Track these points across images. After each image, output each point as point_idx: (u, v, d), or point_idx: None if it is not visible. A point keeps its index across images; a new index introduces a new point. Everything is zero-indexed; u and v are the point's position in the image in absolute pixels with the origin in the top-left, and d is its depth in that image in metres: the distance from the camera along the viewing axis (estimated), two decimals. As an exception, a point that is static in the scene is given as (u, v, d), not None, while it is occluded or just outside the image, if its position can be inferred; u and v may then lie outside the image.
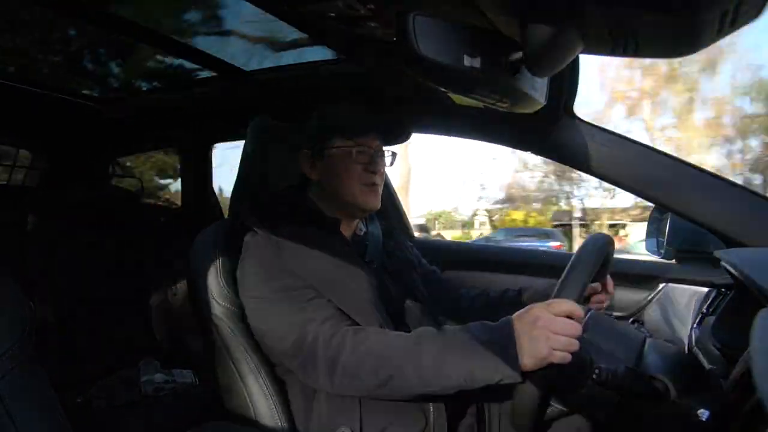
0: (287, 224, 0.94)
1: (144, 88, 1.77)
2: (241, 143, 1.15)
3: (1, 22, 1.30)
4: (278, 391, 0.97)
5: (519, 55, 0.56)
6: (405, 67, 0.58)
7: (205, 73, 1.54)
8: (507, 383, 0.77)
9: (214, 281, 0.98)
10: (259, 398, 0.96)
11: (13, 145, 2.11)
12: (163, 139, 2.12)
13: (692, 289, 1.17)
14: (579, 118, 1.09)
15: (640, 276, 1.25)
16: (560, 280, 0.81)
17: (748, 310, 0.65)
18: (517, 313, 0.80)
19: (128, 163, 3.17)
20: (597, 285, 1.04)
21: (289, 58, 1.38)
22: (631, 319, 1.20)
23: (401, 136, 1.05)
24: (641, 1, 0.35)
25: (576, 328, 0.75)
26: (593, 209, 13.72)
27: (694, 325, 1.08)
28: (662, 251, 1.23)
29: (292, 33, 1.17)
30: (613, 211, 14.32)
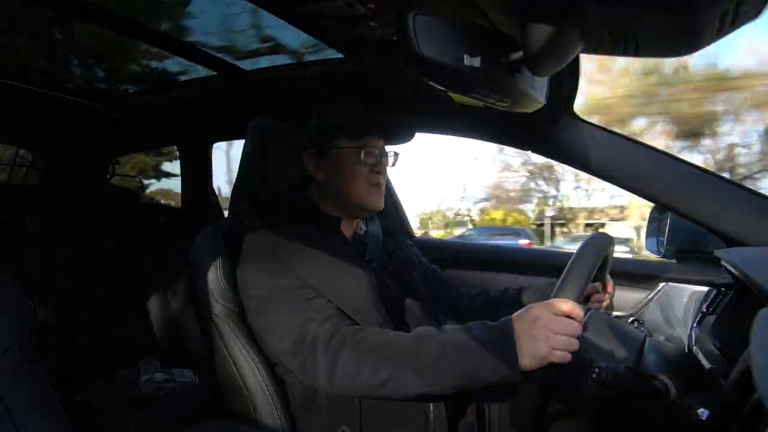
0: (287, 224, 0.94)
1: (144, 88, 1.78)
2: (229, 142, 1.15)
3: (1, 22, 1.30)
4: (278, 390, 0.97)
5: (519, 54, 0.56)
6: (405, 66, 0.58)
7: (205, 73, 1.54)
8: (507, 383, 0.77)
9: (214, 281, 0.98)
10: (259, 398, 0.96)
11: (13, 144, 2.11)
12: (163, 139, 2.12)
13: (692, 289, 1.17)
14: (579, 118, 1.09)
15: (640, 275, 1.25)
16: (560, 280, 0.81)
17: (748, 310, 0.65)
18: (516, 313, 0.80)
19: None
20: (597, 284, 1.04)
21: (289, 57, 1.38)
22: (631, 319, 1.20)
23: (405, 136, 1.05)
24: (641, 0, 0.35)
25: (576, 327, 0.75)
26: (570, 209, 13.86)
27: (694, 325, 1.08)
28: (662, 250, 1.23)
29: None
30: (592, 211, 14.44)
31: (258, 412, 0.96)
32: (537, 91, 0.74)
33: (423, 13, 0.54)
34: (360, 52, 1.13)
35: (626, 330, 0.97)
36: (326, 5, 0.90)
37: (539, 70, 0.51)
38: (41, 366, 0.61)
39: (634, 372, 0.83)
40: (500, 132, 1.23)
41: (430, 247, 1.46)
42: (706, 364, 0.87)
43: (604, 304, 1.08)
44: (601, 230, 13.90)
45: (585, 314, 0.83)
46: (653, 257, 1.28)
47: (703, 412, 0.72)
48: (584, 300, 0.98)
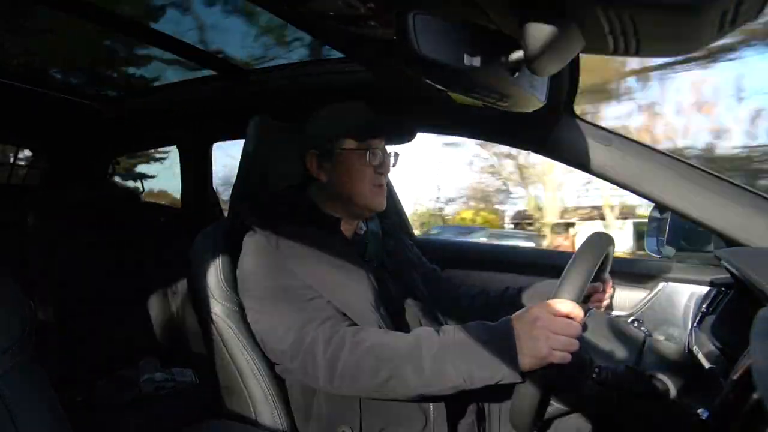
0: (287, 224, 0.94)
1: (144, 88, 1.78)
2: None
3: (1, 22, 1.30)
4: (278, 390, 0.97)
5: (519, 54, 0.56)
6: (405, 66, 0.58)
7: (205, 73, 1.54)
8: (507, 383, 0.77)
9: (215, 281, 0.98)
10: (259, 398, 0.96)
11: (13, 144, 2.11)
12: (163, 139, 2.12)
13: (692, 289, 1.17)
14: (579, 117, 1.09)
15: (639, 275, 1.25)
16: (560, 280, 0.81)
17: (748, 310, 0.65)
18: (516, 313, 0.80)
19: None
20: (597, 284, 1.04)
21: (289, 57, 1.38)
22: (631, 319, 1.20)
23: (406, 136, 1.05)
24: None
25: (575, 328, 0.75)
26: (540, 209, 13.98)
27: (694, 325, 1.08)
28: (662, 250, 1.23)
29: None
30: (565, 210, 14.55)
31: (258, 412, 0.96)
32: (537, 91, 0.74)
33: (423, 12, 0.54)
34: (360, 52, 1.13)
35: (626, 330, 0.97)
36: (326, 4, 0.89)
37: (539, 70, 0.51)
38: (41, 366, 0.61)
39: (634, 372, 0.83)
40: (500, 132, 1.23)
41: (430, 247, 1.46)
42: (706, 364, 0.87)
43: (604, 303, 1.08)
44: (572, 230, 14.07)
45: (585, 314, 0.83)
46: (654, 256, 1.28)
47: (702, 412, 0.72)
48: (584, 300, 0.98)
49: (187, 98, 1.64)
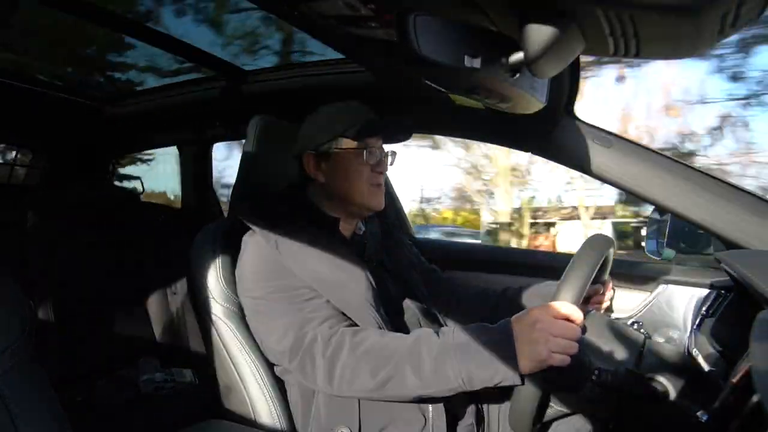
0: (287, 224, 0.94)
1: (144, 88, 1.78)
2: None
3: (2, 21, 1.30)
4: (277, 390, 0.97)
5: (519, 55, 0.56)
6: (405, 67, 0.58)
7: (206, 73, 1.54)
8: (506, 385, 0.77)
9: (214, 281, 0.98)
10: (258, 398, 0.96)
11: (13, 143, 2.11)
12: (162, 139, 2.12)
13: (692, 291, 1.17)
14: (579, 119, 1.09)
15: (639, 277, 1.25)
16: (560, 282, 0.81)
17: (748, 312, 0.65)
18: (516, 316, 0.80)
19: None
20: (597, 286, 1.04)
21: (289, 57, 1.38)
22: (631, 321, 1.20)
23: (403, 135, 1.05)
24: (642, 1, 0.35)
25: (575, 330, 0.75)
26: (517, 209, 14.09)
27: (694, 327, 1.08)
28: (662, 253, 1.23)
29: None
30: (536, 210, 14.62)
31: (257, 412, 0.96)
32: (537, 92, 0.74)
33: (423, 13, 0.54)
34: (360, 52, 1.13)
35: (626, 332, 0.97)
36: (326, 5, 0.89)
37: (539, 72, 0.51)
38: (41, 366, 0.61)
39: (634, 374, 0.83)
40: (500, 133, 1.23)
41: (429, 247, 1.46)
42: (706, 367, 0.87)
43: (604, 306, 1.08)
44: (553, 229, 14.14)
45: (584, 316, 0.83)
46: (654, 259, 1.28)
47: (702, 415, 0.72)
48: (584, 302, 0.98)
49: (187, 98, 1.64)
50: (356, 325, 0.89)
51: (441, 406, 0.89)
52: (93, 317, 1.70)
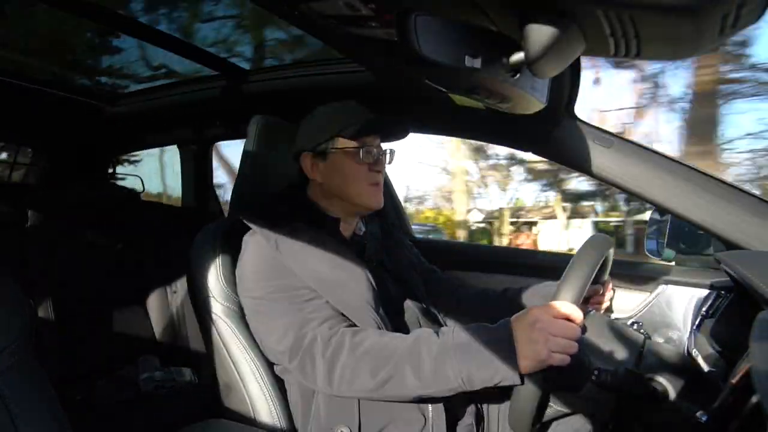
0: (286, 224, 0.94)
1: (144, 88, 1.78)
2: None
3: (2, 20, 1.31)
4: (277, 390, 0.97)
5: (520, 55, 0.56)
6: (406, 67, 0.58)
7: (206, 73, 1.54)
8: (506, 385, 0.77)
9: (214, 280, 0.98)
10: (258, 397, 0.96)
11: (13, 142, 2.11)
12: (163, 139, 2.12)
13: (692, 291, 1.17)
14: (580, 119, 1.09)
15: (639, 277, 1.25)
16: (560, 282, 0.81)
17: (748, 313, 0.65)
18: (516, 315, 0.80)
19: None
20: (597, 286, 1.04)
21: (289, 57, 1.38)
22: (631, 321, 1.20)
23: (401, 134, 1.05)
24: (643, 1, 0.35)
25: (575, 330, 0.75)
26: (499, 209, 14.18)
27: (694, 327, 1.08)
28: (662, 253, 1.23)
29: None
30: (517, 210, 14.68)
31: (256, 411, 0.96)
32: (538, 93, 0.74)
33: (423, 13, 0.54)
34: (360, 52, 1.13)
35: (626, 332, 0.97)
36: (327, 5, 0.89)
37: (540, 72, 0.51)
38: (41, 366, 0.61)
39: (634, 374, 0.83)
40: (500, 133, 1.23)
41: (430, 247, 1.46)
42: (705, 367, 0.87)
43: (604, 306, 1.08)
44: (534, 228, 14.20)
45: (584, 316, 0.83)
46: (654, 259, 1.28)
47: (701, 415, 0.72)
48: (584, 302, 0.98)
49: (187, 98, 1.64)
50: (356, 325, 0.89)
51: (441, 406, 0.89)
52: (93, 317, 1.70)
